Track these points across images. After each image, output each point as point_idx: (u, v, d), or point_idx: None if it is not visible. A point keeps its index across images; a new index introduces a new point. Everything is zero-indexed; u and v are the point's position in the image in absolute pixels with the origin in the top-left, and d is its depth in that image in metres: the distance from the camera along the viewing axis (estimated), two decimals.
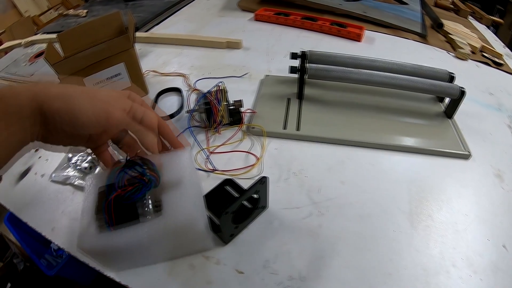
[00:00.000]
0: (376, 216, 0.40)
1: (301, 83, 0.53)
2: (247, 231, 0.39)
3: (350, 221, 0.39)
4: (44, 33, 0.96)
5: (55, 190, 0.45)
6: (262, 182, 0.36)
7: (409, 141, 0.49)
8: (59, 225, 0.41)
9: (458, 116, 0.53)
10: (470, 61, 0.73)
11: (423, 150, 0.48)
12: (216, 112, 0.47)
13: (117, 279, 0.35)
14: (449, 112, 0.54)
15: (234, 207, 0.34)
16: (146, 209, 0.30)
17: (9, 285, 1.02)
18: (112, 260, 0.33)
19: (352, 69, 0.52)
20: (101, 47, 0.54)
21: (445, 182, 0.45)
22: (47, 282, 1.10)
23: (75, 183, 0.45)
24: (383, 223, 0.39)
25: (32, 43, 0.90)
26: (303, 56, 0.55)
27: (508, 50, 0.83)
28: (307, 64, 0.51)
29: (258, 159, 0.46)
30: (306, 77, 0.51)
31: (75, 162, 0.47)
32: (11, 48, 0.93)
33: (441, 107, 0.56)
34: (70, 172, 0.47)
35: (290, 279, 0.34)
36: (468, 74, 0.69)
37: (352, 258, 0.36)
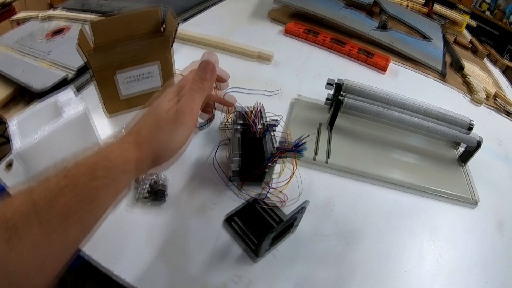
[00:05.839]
0: (394, 252, 0.44)
1: (334, 113, 0.55)
2: (278, 252, 0.41)
3: (373, 256, 0.43)
4: (63, 8, 0.90)
5: None
6: (303, 207, 0.39)
7: (426, 183, 0.52)
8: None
9: (470, 162, 0.57)
10: (482, 106, 0.77)
11: (438, 192, 0.52)
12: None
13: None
14: (464, 159, 0.58)
15: (277, 230, 0.37)
16: None
17: None
18: None
19: (384, 109, 0.54)
20: (140, 45, 0.54)
21: (454, 225, 0.49)
22: None
23: None
24: (399, 260, 0.43)
25: (50, 17, 0.85)
26: (338, 86, 0.57)
27: None
28: (345, 98, 0.53)
29: (287, 183, 0.49)
30: (341, 110, 0.54)
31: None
32: (27, 19, 0.88)
33: (456, 153, 0.60)
34: None
35: None
36: (481, 121, 0.72)
37: None
